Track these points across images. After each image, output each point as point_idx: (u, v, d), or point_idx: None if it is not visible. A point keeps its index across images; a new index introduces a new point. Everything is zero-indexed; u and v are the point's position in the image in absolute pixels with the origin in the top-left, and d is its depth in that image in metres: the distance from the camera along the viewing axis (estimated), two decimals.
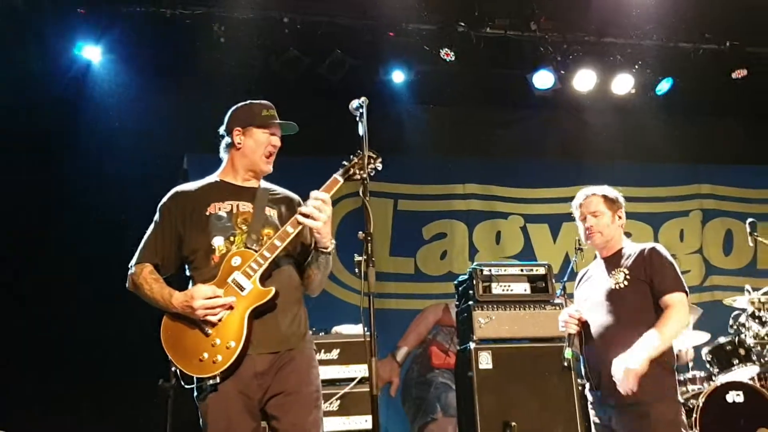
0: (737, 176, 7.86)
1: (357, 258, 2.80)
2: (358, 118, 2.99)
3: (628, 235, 3.68)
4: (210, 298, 2.81)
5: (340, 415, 4.45)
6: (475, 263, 5.08)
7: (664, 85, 6.99)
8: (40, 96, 5.73)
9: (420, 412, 6.37)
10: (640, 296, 3.37)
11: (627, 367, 3.17)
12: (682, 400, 4.89)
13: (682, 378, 5.27)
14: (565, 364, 3.47)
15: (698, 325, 5.76)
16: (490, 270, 4.87)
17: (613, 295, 3.40)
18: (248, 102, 3.19)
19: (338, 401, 4.47)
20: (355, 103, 2.99)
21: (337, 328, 4.77)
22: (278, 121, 3.14)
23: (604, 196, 3.55)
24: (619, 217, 3.56)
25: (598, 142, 7.55)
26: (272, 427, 2.91)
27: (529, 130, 7.62)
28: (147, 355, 3.44)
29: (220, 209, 3.01)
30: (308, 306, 3.11)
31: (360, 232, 2.84)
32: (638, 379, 3.16)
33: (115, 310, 4.71)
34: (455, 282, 5.17)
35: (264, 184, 3.17)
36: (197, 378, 2.83)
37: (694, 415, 4.73)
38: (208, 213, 3.00)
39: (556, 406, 4.54)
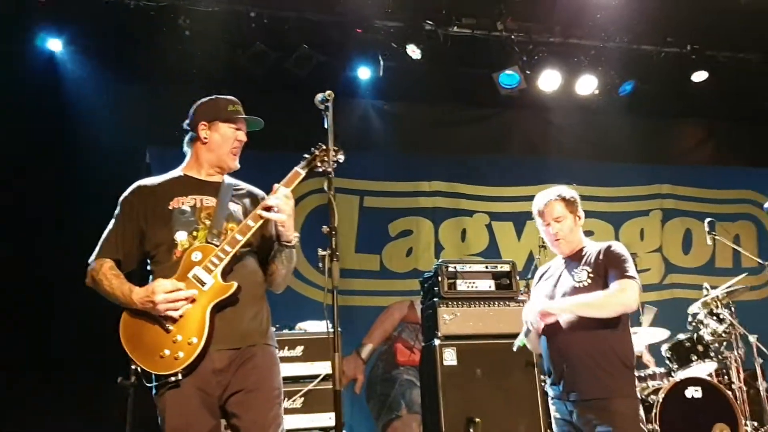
0: (697, 177, 8.01)
1: (321, 252, 2.77)
2: (323, 111, 2.98)
3: (589, 233, 3.72)
4: (171, 291, 2.77)
5: (304, 412, 4.42)
6: (440, 260, 5.10)
7: (626, 87, 7.10)
8: None
9: (384, 409, 6.37)
10: None
11: (542, 307, 3.38)
12: (641, 397, 5.03)
13: (642, 374, 5.37)
14: (514, 350, 3.51)
15: (658, 323, 5.87)
16: (455, 267, 4.88)
17: (576, 294, 3.43)
18: (214, 96, 3.15)
19: (302, 398, 4.43)
20: (320, 96, 2.97)
21: (301, 325, 4.75)
22: (244, 116, 3.11)
23: (564, 199, 3.55)
24: (579, 218, 3.58)
25: (562, 142, 7.67)
26: (232, 425, 2.86)
27: (495, 129, 7.68)
28: (105, 353, 3.37)
29: (183, 204, 2.96)
30: (271, 302, 3.08)
31: (324, 227, 2.83)
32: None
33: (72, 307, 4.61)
34: (420, 279, 5.17)
35: (228, 179, 3.13)
36: (158, 375, 2.78)
37: (654, 411, 4.83)
38: (171, 207, 2.95)
39: (519, 401, 4.58)
